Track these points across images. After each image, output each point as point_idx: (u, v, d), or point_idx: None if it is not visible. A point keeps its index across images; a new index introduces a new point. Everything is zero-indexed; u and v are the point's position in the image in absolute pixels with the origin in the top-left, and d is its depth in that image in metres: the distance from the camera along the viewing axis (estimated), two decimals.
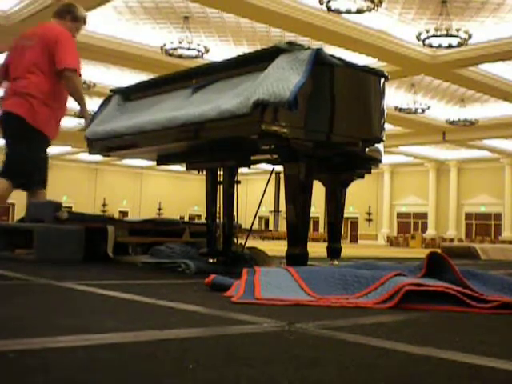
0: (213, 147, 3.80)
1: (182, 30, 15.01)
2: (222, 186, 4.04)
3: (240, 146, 3.68)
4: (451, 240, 33.55)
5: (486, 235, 34.96)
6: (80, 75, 4.90)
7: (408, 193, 39.19)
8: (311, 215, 3.40)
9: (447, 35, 13.80)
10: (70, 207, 32.88)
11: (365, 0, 12.05)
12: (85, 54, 16.61)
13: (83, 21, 5.20)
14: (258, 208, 4.52)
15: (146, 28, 15.45)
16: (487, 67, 17.51)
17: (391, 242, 35.09)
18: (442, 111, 23.06)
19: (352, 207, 38.01)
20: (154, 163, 4.68)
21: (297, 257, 3.21)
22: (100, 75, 18.79)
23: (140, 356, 1.27)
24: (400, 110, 20.85)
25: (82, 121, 5.01)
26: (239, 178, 4.09)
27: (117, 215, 35.89)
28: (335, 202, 4.17)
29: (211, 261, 3.84)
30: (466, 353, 1.40)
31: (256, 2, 12.76)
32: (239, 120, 3.07)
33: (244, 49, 16.04)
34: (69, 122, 26.68)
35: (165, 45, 15.17)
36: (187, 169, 4.34)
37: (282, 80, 2.98)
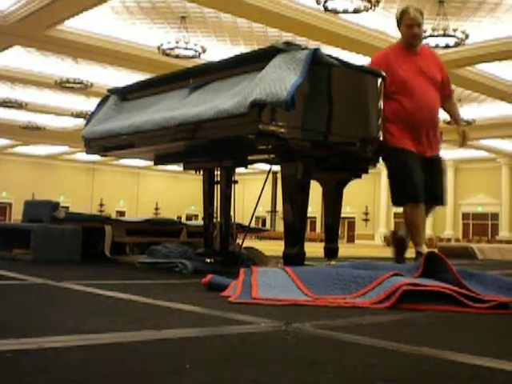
0: (210, 147, 3.80)
1: (179, 30, 14.98)
2: (219, 186, 4.03)
3: (237, 146, 3.68)
4: (448, 240, 33.53)
5: (483, 235, 34.95)
6: None
7: None
8: (308, 215, 3.39)
9: (444, 35, 13.79)
10: (67, 207, 32.81)
11: (362, 0, 12.03)
12: (82, 54, 16.60)
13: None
14: (255, 208, 4.51)
15: (143, 28, 15.42)
16: (484, 67, 17.50)
17: (388, 242, 35.05)
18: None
19: (349, 207, 37.96)
20: (151, 163, 4.67)
21: (294, 257, 3.21)
22: (97, 75, 18.74)
23: (137, 356, 1.26)
24: None
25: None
26: (236, 177, 4.09)
27: (114, 215, 35.83)
28: (332, 202, 4.16)
29: (208, 261, 3.84)
30: (463, 353, 1.40)
31: (253, 2, 12.74)
32: (236, 120, 3.06)
33: (241, 49, 16.01)
34: (66, 122, 26.69)
35: (162, 45, 15.13)
36: (184, 169, 4.34)
37: (279, 80, 2.98)
